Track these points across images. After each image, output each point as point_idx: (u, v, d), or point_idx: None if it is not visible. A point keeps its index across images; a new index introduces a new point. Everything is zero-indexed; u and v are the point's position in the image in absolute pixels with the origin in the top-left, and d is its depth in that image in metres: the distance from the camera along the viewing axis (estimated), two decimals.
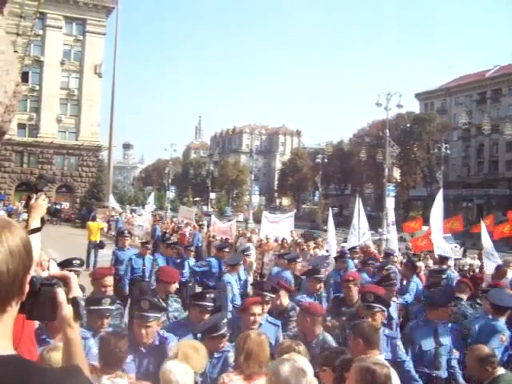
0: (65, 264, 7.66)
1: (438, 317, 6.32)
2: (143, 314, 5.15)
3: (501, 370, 4.94)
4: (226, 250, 12.66)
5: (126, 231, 13.77)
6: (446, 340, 6.29)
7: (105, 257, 21.52)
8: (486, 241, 13.75)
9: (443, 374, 6.18)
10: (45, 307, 1.71)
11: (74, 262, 7.51)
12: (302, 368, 3.56)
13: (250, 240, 18.34)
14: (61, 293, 1.73)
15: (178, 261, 12.48)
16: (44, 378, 1.37)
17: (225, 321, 5.08)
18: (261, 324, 5.89)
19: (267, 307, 6.64)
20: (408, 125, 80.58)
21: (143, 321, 5.11)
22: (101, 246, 22.18)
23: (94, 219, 26.17)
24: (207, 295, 6.10)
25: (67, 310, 1.75)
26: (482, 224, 14.61)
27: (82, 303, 1.83)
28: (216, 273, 11.59)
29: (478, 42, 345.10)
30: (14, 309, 1.42)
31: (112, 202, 46.14)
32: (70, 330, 1.77)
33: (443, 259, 12.88)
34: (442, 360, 6.18)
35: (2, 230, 1.35)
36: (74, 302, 1.79)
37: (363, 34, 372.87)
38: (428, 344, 6.14)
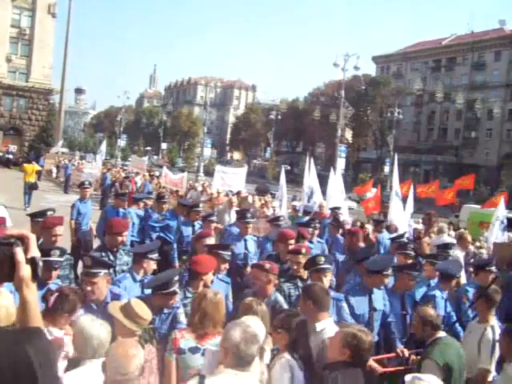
0: (38, 215, 7.69)
1: (373, 283, 6.28)
2: (87, 271, 5.08)
3: (441, 333, 5.09)
4: (197, 209, 10.98)
5: (87, 182, 12.71)
6: (381, 305, 6.31)
7: (44, 201, 22.45)
8: (409, 205, 14.44)
9: (374, 338, 6.26)
10: (2, 267, 1.65)
11: (48, 212, 7.70)
12: (254, 334, 3.54)
13: (202, 193, 18.18)
14: (19, 252, 1.68)
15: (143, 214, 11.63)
16: (6, 339, 1.34)
17: (177, 278, 5.04)
18: (212, 281, 5.86)
19: (224, 266, 6.63)
20: (363, 87, 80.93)
21: (88, 277, 5.04)
22: (34, 187, 23.01)
23: (29, 161, 27.18)
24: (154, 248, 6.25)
25: (25, 271, 1.69)
26: (412, 187, 15.40)
27: (41, 263, 1.77)
28: (173, 227, 10.77)
29: (438, 10, 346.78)
30: None
31: (58, 146, 45.41)
32: (27, 290, 1.72)
33: (379, 222, 12.70)
34: (376, 325, 6.20)
35: None
36: (32, 261, 1.74)
37: None
38: (361, 308, 6.13)
